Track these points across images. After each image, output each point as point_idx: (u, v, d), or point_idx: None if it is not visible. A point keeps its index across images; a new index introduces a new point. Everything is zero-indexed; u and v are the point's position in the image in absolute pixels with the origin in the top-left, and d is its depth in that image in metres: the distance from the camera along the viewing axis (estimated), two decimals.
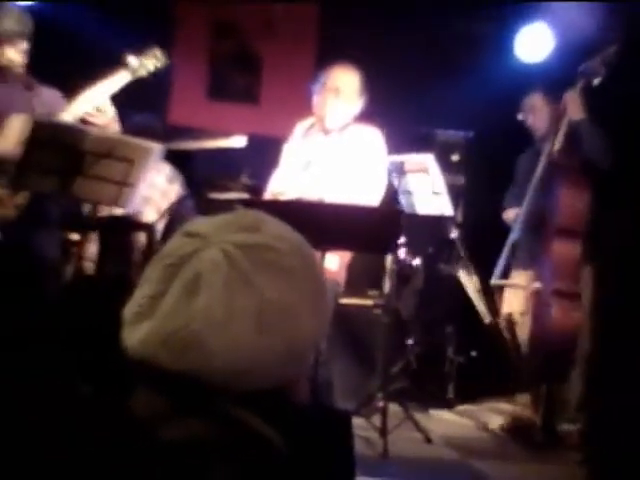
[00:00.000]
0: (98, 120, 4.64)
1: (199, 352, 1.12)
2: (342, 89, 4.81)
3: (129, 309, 1.18)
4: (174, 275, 1.16)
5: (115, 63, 4.71)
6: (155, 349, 1.13)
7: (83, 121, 4.63)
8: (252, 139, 5.68)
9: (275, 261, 1.17)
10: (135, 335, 1.15)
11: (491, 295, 5.53)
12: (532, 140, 5.64)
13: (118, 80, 4.66)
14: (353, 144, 4.83)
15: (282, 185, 4.85)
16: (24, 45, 4.76)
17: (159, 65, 4.79)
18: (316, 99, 4.87)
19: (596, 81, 5.05)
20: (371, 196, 4.72)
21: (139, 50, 4.76)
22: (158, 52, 4.80)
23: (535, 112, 5.54)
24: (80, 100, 4.62)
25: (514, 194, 5.58)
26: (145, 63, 4.73)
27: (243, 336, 1.13)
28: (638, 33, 5.21)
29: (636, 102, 5.05)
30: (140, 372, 1.16)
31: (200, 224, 1.22)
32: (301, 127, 5.01)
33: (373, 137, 4.87)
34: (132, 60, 4.70)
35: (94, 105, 4.60)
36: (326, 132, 4.89)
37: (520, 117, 5.60)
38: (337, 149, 4.83)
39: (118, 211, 4.95)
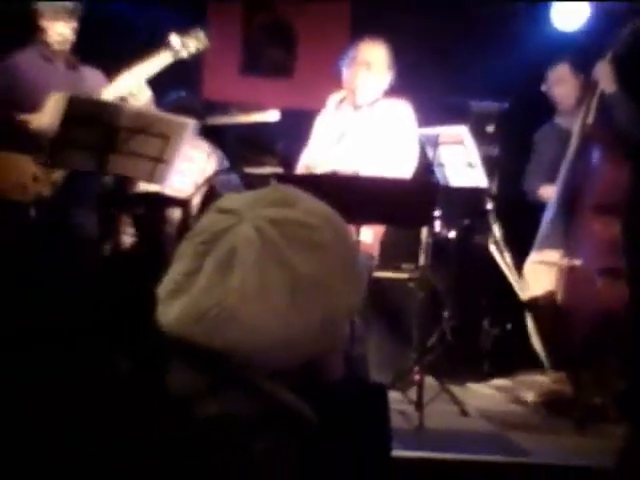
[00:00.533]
0: (135, 101, 4.66)
1: (234, 328, 1.12)
2: (372, 62, 4.80)
3: (164, 286, 1.19)
4: (208, 252, 1.16)
5: (158, 43, 4.72)
6: (190, 326, 1.14)
7: (123, 100, 4.65)
8: (286, 113, 5.67)
9: (308, 236, 1.18)
10: (170, 312, 1.16)
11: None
12: (551, 114, 5.55)
13: (160, 60, 4.67)
14: (384, 118, 4.82)
15: (315, 158, 4.85)
16: (75, 23, 4.78)
17: (201, 47, 4.80)
18: (346, 73, 4.85)
19: (625, 52, 4.99)
20: (403, 168, 4.71)
21: (182, 31, 4.75)
22: (201, 34, 4.81)
23: (562, 84, 5.44)
24: (122, 79, 4.64)
25: (539, 171, 5.49)
26: (187, 44, 4.73)
27: (277, 311, 1.13)
28: None
29: None
30: (175, 349, 1.17)
31: (233, 200, 1.22)
32: (333, 100, 5.00)
33: (403, 110, 4.85)
34: (175, 41, 4.70)
35: (135, 84, 4.61)
36: (357, 107, 4.88)
37: (544, 88, 5.50)
38: (368, 123, 4.81)
39: (153, 187, 4.97)
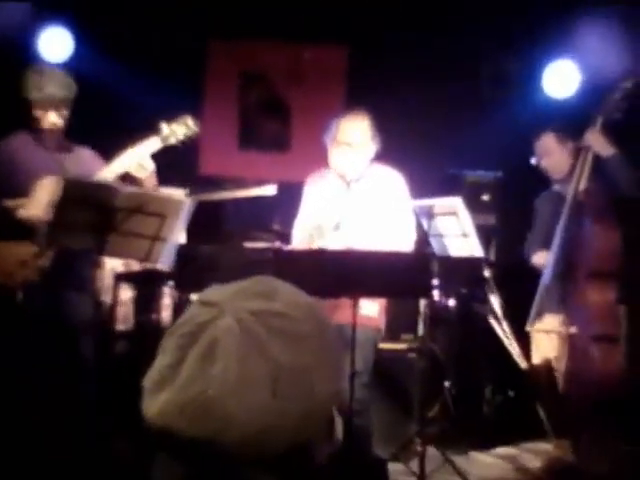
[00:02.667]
0: (139, 174, 4.71)
1: (216, 418, 1.14)
2: (354, 141, 4.76)
3: (148, 379, 1.22)
4: (191, 344, 1.19)
5: (148, 128, 4.78)
6: (173, 417, 1.16)
7: (124, 176, 4.70)
8: (284, 186, 5.72)
9: (289, 328, 1.20)
10: (154, 404, 1.18)
11: (526, 339, 5.43)
12: (549, 182, 5.58)
13: (149, 146, 4.72)
14: (376, 189, 4.82)
15: (319, 220, 4.83)
16: (66, 110, 4.84)
17: (190, 134, 4.84)
18: (330, 152, 4.84)
19: (617, 116, 5.03)
20: (404, 240, 4.74)
21: (171, 117, 4.82)
22: (190, 120, 4.85)
23: (549, 155, 5.42)
24: (113, 165, 4.69)
25: (537, 237, 5.49)
26: (176, 131, 4.79)
27: (259, 401, 1.15)
28: None
29: None
30: (160, 441, 1.19)
31: (216, 292, 1.25)
32: (314, 179, 5.01)
33: (395, 180, 4.86)
34: (164, 127, 4.76)
35: (129, 166, 4.67)
36: (347, 182, 4.86)
37: (533, 162, 5.48)
38: (362, 199, 4.81)
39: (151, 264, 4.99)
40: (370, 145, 4.81)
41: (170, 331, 1.24)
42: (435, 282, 5.58)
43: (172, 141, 4.78)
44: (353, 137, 4.76)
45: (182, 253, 4.60)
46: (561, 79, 7.00)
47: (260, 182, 6.20)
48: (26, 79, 4.79)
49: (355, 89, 7.31)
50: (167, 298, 5.43)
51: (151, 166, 4.73)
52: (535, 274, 5.43)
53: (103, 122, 6.27)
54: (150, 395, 1.20)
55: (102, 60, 6.64)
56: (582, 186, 5.09)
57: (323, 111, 7.24)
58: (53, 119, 4.80)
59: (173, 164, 5.55)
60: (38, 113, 4.78)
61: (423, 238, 5.25)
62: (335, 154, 4.81)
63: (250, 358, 1.16)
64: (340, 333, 4.48)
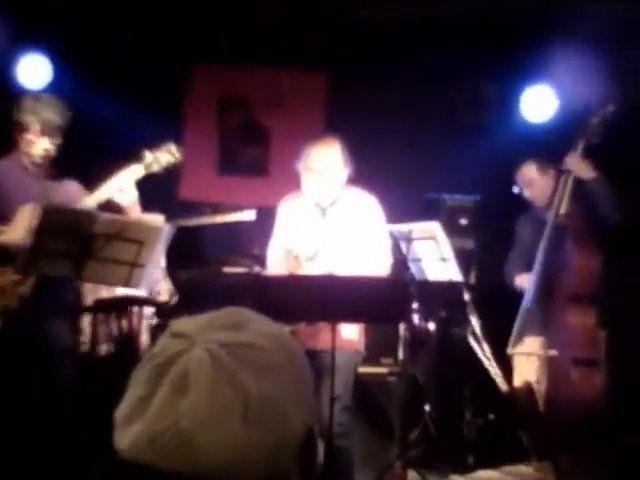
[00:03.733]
0: (122, 202, 4.70)
1: (188, 450, 1.15)
2: (324, 169, 4.77)
3: (120, 411, 1.22)
4: (162, 376, 1.19)
5: (130, 155, 4.79)
6: (145, 449, 1.16)
7: (107, 204, 4.68)
8: (263, 211, 5.73)
9: (259, 358, 1.21)
10: (126, 437, 1.19)
11: (507, 362, 5.44)
12: (528, 205, 5.60)
13: (132, 174, 4.72)
14: (351, 215, 4.83)
15: (294, 243, 4.84)
16: (59, 139, 4.83)
17: (173, 161, 4.85)
18: (302, 179, 4.86)
19: (596, 140, 5.08)
20: (380, 265, 4.75)
21: (155, 145, 4.82)
22: (173, 148, 4.87)
23: (532, 185, 5.47)
24: (96, 193, 4.68)
25: (518, 259, 5.52)
26: (160, 158, 4.80)
27: (231, 433, 1.16)
28: (633, 93, 5.27)
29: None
30: (132, 473, 1.20)
31: (187, 324, 1.26)
32: (286, 205, 5.03)
33: (370, 204, 4.87)
34: (147, 155, 4.77)
35: (112, 194, 4.66)
36: (321, 208, 4.88)
37: (516, 191, 5.53)
38: (337, 226, 4.82)
39: (129, 291, 4.99)
40: (342, 171, 4.82)
41: (141, 363, 1.25)
42: (415, 306, 5.60)
43: (155, 168, 4.78)
44: (324, 164, 4.78)
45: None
46: (539, 104, 7.05)
47: (239, 207, 6.21)
48: (22, 103, 4.78)
49: (335, 114, 7.34)
50: (146, 324, 5.42)
51: (134, 194, 4.73)
52: (515, 297, 5.45)
53: (84, 149, 6.26)
54: (121, 428, 1.20)
55: (81, 87, 6.62)
56: (563, 210, 5.13)
57: (303, 136, 7.20)
58: (46, 145, 4.78)
59: (153, 189, 5.56)
60: (31, 138, 4.76)
61: (402, 262, 5.28)
62: (307, 181, 4.83)
63: (221, 389, 1.17)
64: (320, 359, 4.50)
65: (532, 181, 5.48)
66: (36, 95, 4.93)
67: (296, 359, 1.28)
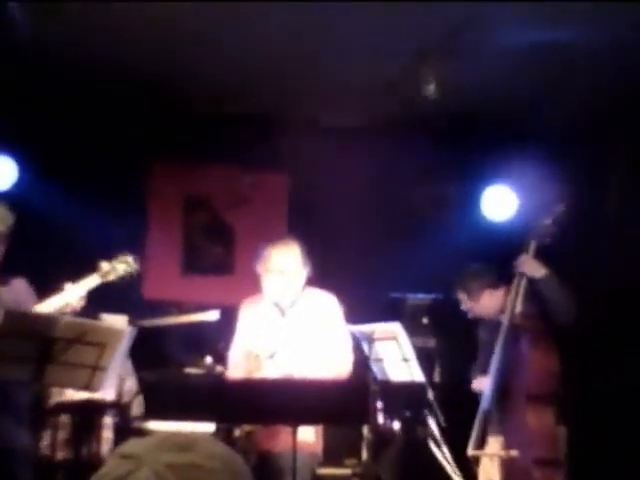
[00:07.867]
0: (78, 306, 4.70)
1: None
2: (285, 269, 4.85)
3: None
4: None
5: (88, 263, 4.82)
6: None
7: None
8: (227, 310, 5.74)
9: (205, 479, 1.23)
10: None
11: (470, 464, 5.39)
12: None
13: (88, 283, 4.75)
14: (311, 315, 4.89)
15: (255, 344, 4.86)
16: (3, 246, 4.80)
17: (130, 270, 4.90)
18: (262, 280, 4.93)
19: (548, 240, 5.15)
20: (341, 365, 4.78)
21: (112, 255, 4.87)
22: (130, 258, 4.92)
23: (478, 300, 5.48)
24: (52, 300, 4.68)
25: (479, 366, 5.50)
26: (116, 268, 4.84)
27: None
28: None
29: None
30: None
31: (135, 445, 1.28)
32: (247, 306, 5.09)
33: (329, 304, 4.94)
34: (104, 265, 4.81)
35: (65, 302, 4.67)
36: (281, 308, 4.94)
37: (463, 307, 5.55)
38: (296, 326, 4.87)
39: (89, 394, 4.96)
40: (302, 272, 4.91)
41: None
42: (379, 405, 5.60)
43: (111, 278, 4.82)
44: (284, 265, 4.86)
45: None
46: (498, 203, 7.17)
47: (203, 307, 6.21)
48: None
49: (298, 213, 7.41)
50: (107, 428, 5.37)
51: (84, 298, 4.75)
52: (476, 395, 5.45)
53: (44, 249, 6.27)
54: None
55: (44, 187, 6.66)
56: (518, 309, 5.16)
57: (266, 235, 7.31)
58: None
59: (116, 288, 5.58)
60: None
61: (364, 362, 5.29)
62: (267, 282, 4.89)
63: None
64: (277, 461, 4.49)
65: (470, 308, 5.52)
66: None
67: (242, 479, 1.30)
